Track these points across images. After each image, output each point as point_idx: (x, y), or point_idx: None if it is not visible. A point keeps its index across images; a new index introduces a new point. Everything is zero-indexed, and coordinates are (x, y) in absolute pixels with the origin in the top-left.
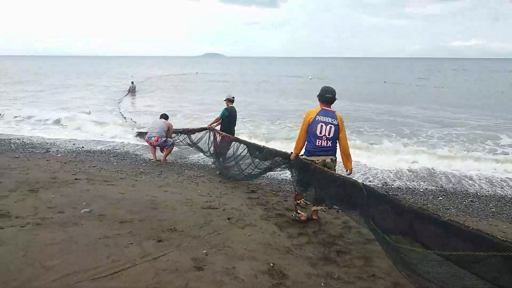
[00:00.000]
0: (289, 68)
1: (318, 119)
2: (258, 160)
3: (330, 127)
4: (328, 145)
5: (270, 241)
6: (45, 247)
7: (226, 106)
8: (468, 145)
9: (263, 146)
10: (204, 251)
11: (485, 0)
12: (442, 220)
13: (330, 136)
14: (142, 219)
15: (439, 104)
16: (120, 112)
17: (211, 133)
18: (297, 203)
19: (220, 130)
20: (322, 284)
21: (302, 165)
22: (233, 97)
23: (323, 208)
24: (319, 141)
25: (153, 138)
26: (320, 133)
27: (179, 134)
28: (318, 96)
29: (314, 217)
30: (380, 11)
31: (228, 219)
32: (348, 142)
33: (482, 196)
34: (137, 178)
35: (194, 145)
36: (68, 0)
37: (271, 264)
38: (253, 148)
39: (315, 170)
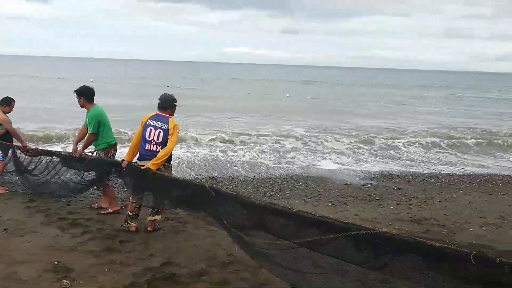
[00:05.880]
0: (69, 68)
1: (148, 123)
2: (82, 171)
3: (159, 131)
4: (157, 149)
5: (53, 244)
6: None
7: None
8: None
9: (85, 153)
10: None
11: (252, 14)
12: (291, 212)
13: (159, 141)
14: None
15: None
16: None
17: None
18: (129, 214)
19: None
20: (106, 270)
21: (137, 171)
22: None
23: (158, 219)
24: (148, 145)
25: None
26: (149, 137)
27: None
28: None
29: (149, 228)
30: (160, 15)
31: (5, 230)
32: None
33: (244, 180)
34: None
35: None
36: None
37: (56, 263)
38: (69, 160)
39: (155, 175)
